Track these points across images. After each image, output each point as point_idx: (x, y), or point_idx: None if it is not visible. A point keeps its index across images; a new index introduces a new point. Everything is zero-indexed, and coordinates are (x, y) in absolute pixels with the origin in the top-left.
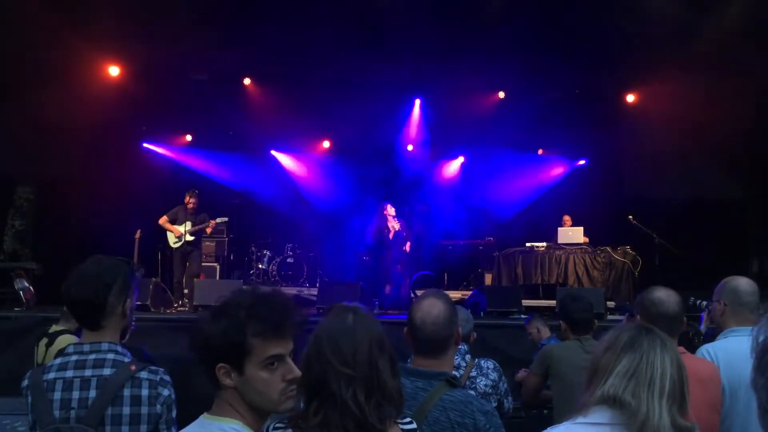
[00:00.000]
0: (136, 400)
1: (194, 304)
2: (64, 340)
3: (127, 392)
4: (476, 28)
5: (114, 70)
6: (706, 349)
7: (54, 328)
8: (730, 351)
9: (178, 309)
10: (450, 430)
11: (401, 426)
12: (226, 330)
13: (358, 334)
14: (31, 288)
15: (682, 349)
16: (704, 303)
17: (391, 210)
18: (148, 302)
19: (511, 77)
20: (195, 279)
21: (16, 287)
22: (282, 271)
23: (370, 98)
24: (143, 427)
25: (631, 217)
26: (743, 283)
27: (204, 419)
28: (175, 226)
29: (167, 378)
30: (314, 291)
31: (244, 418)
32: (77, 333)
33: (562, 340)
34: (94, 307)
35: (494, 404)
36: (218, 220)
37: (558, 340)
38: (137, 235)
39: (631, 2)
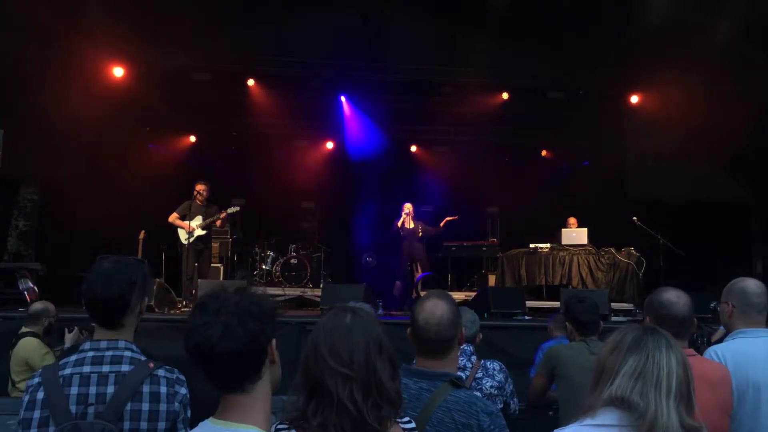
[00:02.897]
0: (155, 397)
1: None
2: (24, 344)
3: (146, 389)
4: (480, 29)
5: (118, 71)
6: (714, 351)
7: (23, 329)
8: (738, 352)
9: (182, 309)
10: (454, 430)
11: (401, 425)
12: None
13: (355, 334)
14: (35, 288)
15: (691, 351)
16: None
17: (407, 208)
18: (152, 302)
19: (515, 78)
20: (199, 280)
21: (20, 287)
22: (286, 272)
23: (373, 98)
24: (161, 424)
25: (635, 218)
26: (752, 285)
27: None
28: (185, 222)
29: (183, 377)
30: (318, 292)
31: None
32: (45, 334)
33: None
34: (119, 306)
35: (500, 405)
36: (230, 210)
37: (565, 341)
38: (141, 236)
39: (636, 3)
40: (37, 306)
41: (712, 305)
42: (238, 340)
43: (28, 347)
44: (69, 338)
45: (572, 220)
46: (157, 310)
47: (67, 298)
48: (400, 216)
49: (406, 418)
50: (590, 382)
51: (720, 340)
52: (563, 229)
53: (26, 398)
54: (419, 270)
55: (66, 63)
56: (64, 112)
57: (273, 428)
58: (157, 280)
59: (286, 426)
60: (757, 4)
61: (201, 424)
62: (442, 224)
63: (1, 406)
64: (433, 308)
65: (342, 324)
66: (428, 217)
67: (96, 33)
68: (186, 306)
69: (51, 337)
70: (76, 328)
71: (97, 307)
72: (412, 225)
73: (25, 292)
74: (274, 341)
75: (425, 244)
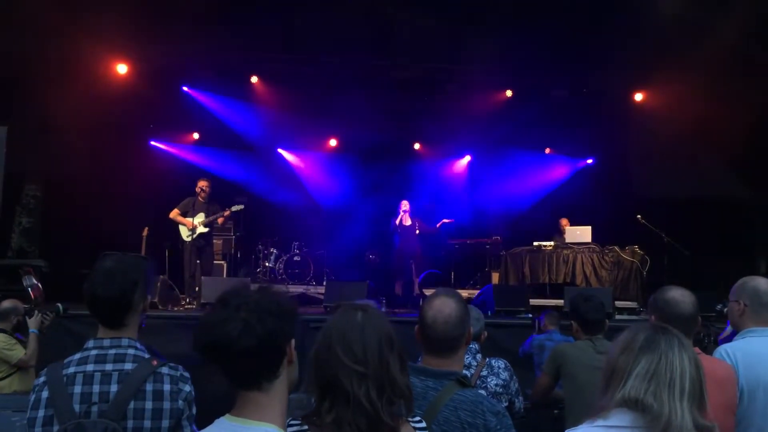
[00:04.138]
0: (158, 395)
1: (202, 301)
2: None
3: (149, 387)
4: (484, 26)
5: (122, 68)
6: (725, 349)
7: None
8: (749, 351)
9: (186, 306)
10: (460, 430)
11: (412, 424)
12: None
13: (368, 332)
14: (39, 285)
15: (697, 350)
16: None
17: (405, 205)
18: (156, 299)
19: (519, 76)
20: (202, 277)
21: (24, 284)
22: (289, 270)
23: (377, 96)
24: (165, 422)
25: (639, 216)
26: (763, 284)
27: (243, 424)
28: (187, 219)
29: (187, 374)
30: (321, 289)
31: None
32: (15, 331)
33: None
34: (121, 306)
35: (505, 404)
36: (234, 208)
37: (556, 335)
38: (145, 233)
39: (640, 2)
40: (6, 305)
41: (718, 307)
42: (256, 337)
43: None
44: (32, 322)
45: (564, 221)
46: (160, 307)
47: (71, 294)
48: (398, 214)
49: (417, 418)
50: (600, 382)
51: (728, 339)
52: (567, 227)
53: (32, 397)
54: (414, 267)
55: (69, 60)
56: (67, 109)
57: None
58: (161, 277)
59: (298, 423)
60: (761, 4)
61: (217, 421)
62: (438, 225)
63: (5, 403)
64: (442, 306)
65: (354, 322)
66: (431, 214)
67: (99, 30)
68: (189, 303)
69: (23, 330)
70: (36, 311)
71: (99, 307)
72: (409, 222)
73: (29, 289)
74: (293, 342)
75: (421, 242)
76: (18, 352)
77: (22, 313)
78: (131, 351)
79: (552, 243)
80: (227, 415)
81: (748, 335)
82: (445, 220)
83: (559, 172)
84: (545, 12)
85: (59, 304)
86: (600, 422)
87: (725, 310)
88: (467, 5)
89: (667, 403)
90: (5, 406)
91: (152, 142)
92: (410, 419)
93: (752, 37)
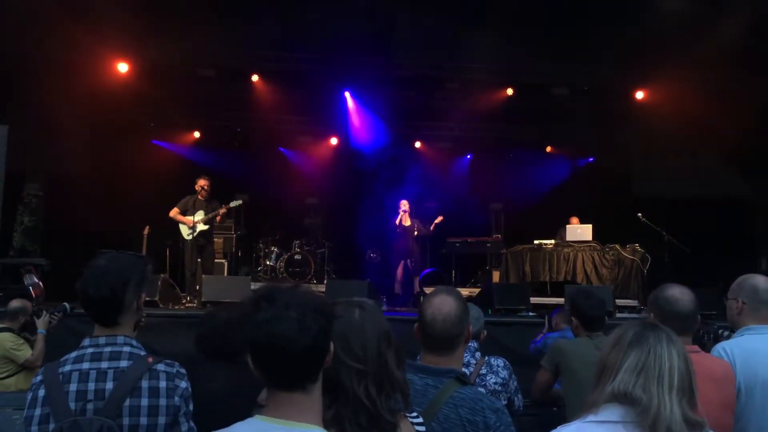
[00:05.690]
0: (154, 392)
1: (203, 300)
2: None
3: (145, 384)
4: (484, 24)
5: (123, 67)
6: (722, 347)
7: None
8: (747, 349)
9: (187, 305)
10: (460, 427)
11: (409, 420)
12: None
13: (366, 330)
14: (40, 284)
15: (696, 347)
16: (726, 333)
17: (404, 205)
18: (157, 298)
19: (519, 74)
20: (203, 275)
21: (25, 283)
22: (290, 268)
23: (377, 94)
24: (161, 419)
25: (640, 214)
26: (762, 281)
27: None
28: (187, 217)
29: (183, 371)
30: (322, 288)
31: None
32: (21, 330)
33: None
34: (113, 306)
35: (504, 402)
36: (232, 203)
37: (569, 333)
38: (146, 231)
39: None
40: (16, 304)
41: (716, 326)
42: (312, 337)
43: (3, 341)
44: (40, 323)
45: (574, 220)
46: (161, 305)
47: (73, 293)
48: (397, 213)
49: (414, 413)
50: (593, 379)
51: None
52: (568, 226)
53: (29, 396)
54: (414, 266)
55: (71, 58)
56: (68, 108)
57: None
58: (162, 275)
59: None
60: (762, 2)
61: (248, 420)
62: (431, 227)
63: (5, 401)
64: (441, 304)
65: (352, 320)
66: (433, 213)
67: (101, 28)
68: (190, 302)
69: (30, 330)
70: (44, 311)
71: (91, 306)
72: (408, 222)
73: (30, 288)
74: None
75: (419, 243)
76: (25, 352)
77: (30, 313)
78: (127, 348)
79: (552, 241)
80: (261, 416)
81: (746, 332)
82: (437, 221)
83: (560, 170)
84: (546, 9)
85: (66, 304)
86: (591, 417)
87: (720, 331)
88: (467, 3)
89: (656, 396)
90: (6, 404)
91: (153, 141)
92: (408, 414)
93: (753, 35)
